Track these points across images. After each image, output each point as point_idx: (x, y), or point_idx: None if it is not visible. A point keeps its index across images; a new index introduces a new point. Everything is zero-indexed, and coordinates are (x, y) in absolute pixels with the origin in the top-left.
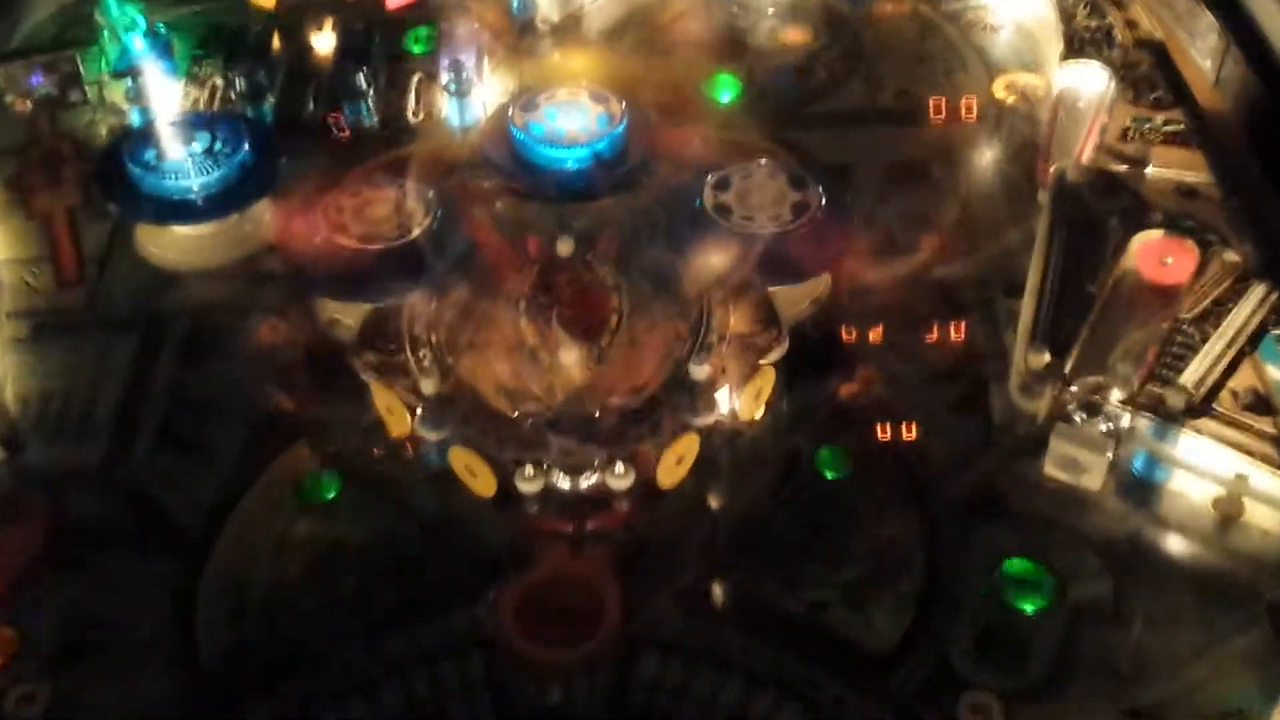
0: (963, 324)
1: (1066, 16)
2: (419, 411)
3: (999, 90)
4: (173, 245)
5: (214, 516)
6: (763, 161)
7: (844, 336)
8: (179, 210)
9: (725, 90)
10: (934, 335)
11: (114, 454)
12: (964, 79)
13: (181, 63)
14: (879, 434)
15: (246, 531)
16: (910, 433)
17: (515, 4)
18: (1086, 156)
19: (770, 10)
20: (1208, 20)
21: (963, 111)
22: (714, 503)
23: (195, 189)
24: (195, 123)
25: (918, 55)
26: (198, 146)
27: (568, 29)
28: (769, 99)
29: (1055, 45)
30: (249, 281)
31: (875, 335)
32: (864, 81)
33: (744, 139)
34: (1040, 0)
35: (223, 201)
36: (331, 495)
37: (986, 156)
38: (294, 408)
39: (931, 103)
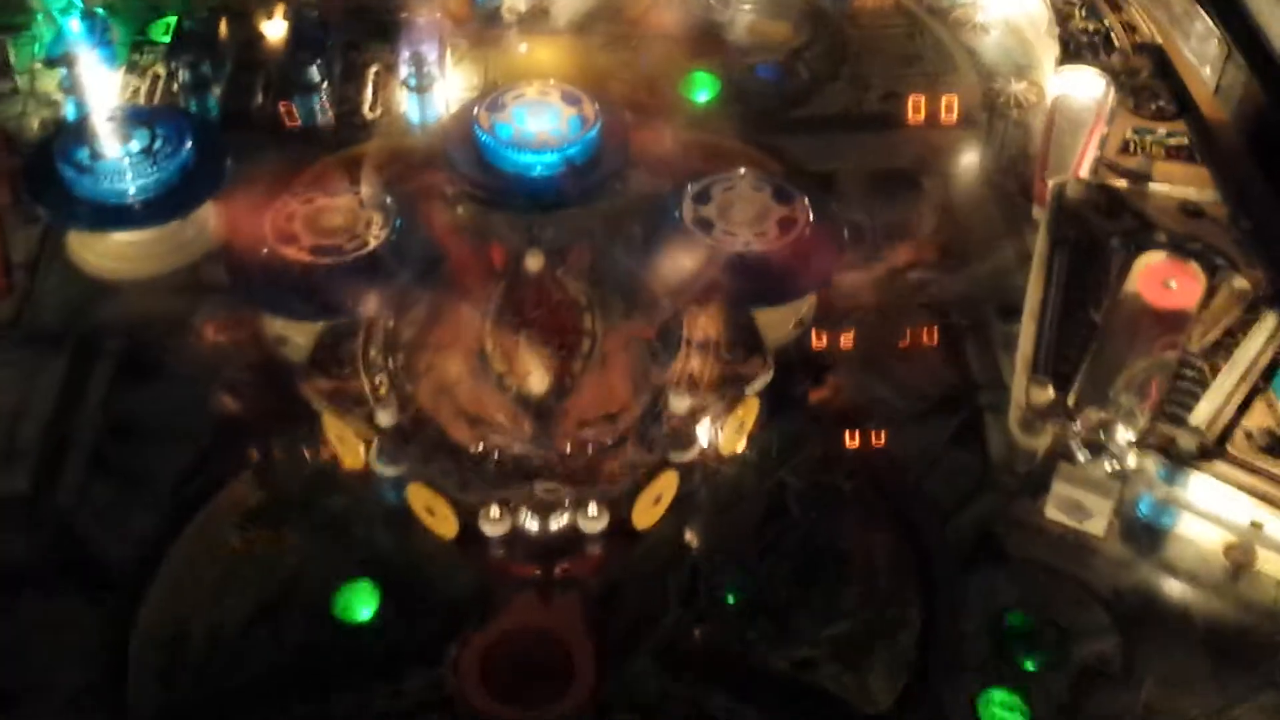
0: (956, 349)
1: (1061, 18)
2: (374, 444)
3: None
4: (108, 253)
5: (150, 555)
6: (744, 171)
7: (830, 362)
8: (115, 215)
9: (702, 89)
10: (925, 361)
11: (40, 483)
12: (953, 82)
13: (121, 49)
14: (868, 471)
15: (185, 573)
16: (902, 469)
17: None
18: (1085, 170)
19: (748, 4)
20: (1206, 24)
21: (953, 117)
22: (694, 546)
23: (133, 192)
24: (134, 118)
25: (904, 55)
26: (136, 145)
27: (535, 19)
28: (748, 99)
29: (1049, 47)
30: (191, 294)
31: (863, 360)
32: (848, 83)
33: (724, 144)
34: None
35: (162, 206)
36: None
37: (978, 166)
38: (238, 435)
39: (920, 107)
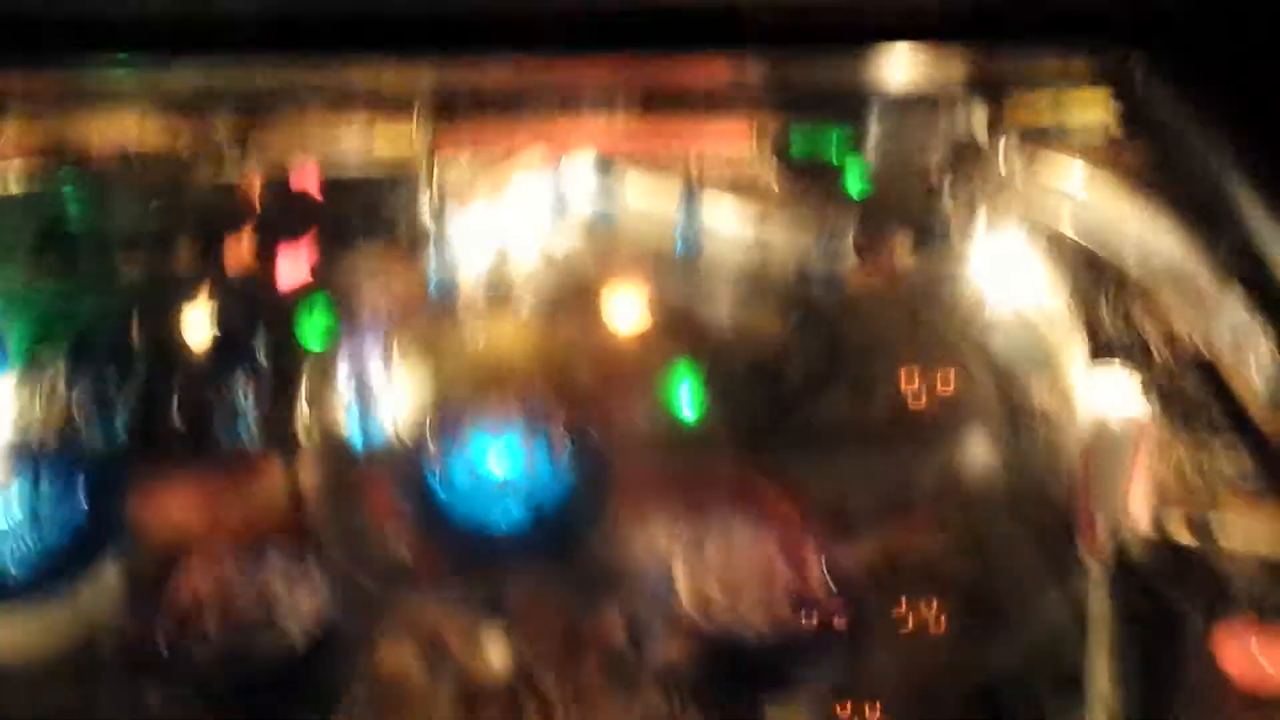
0: None
1: (1087, 316)
2: None
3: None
4: None
5: None
6: (741, 515)
7: None
8: None
9: (682, 393)
10: None
11: None
12: (967, 383)
13: (16, 356)
14: None
15: None
16: None
17: (433, 280)
18: (1137, 510)
19: (728, 289)
20: (1244, 319)
21: (969, 427)
22: None
23: (10, 562)
24: (15, 460)
25: (908, 351)
26: (17, 499)
27: (494, 308)
28: (737, 405)
29: (1071, 344)
30: (87, 683)
31: None
32: (849, 386)
33: (716, 467)
34: (1047, 290)
35: (48, 577)
36: None
37: (1005, 489)
38: None
39: (930, 414)
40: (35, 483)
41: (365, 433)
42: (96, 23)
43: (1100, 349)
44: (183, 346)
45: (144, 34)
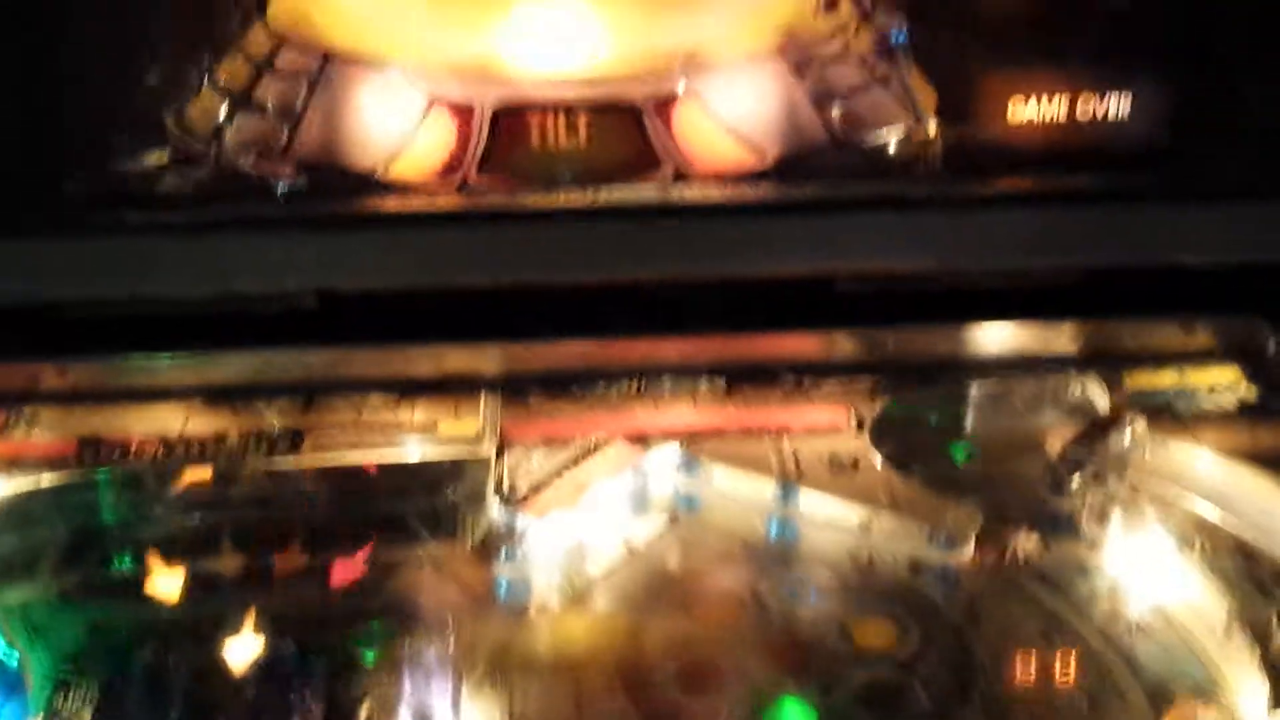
0: None
1: (1258, 637)
2: None
3: None
4: None
5: None
6: None
7: None
8: None
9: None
10: None
11: None
12: (1115, 706)
13: (38, 695)
14: None
15: None
16: None
17: (503, 581)
18: None
19: (831, 584)
20: None
21: None
22: None
23: None
24: None
25: (1045, 666)
26: None
27: (572, 610)
28: None
29: (1237, 661)
30: None
31: None
32: (982, 711)
33: None
34: (1198, 588)
35: None
36: None
37: None
38: None
39: None
40: None
41: None
42: (143, 319)
43: (1274, 670)
44: (226, 674)
45: (193, 329)
